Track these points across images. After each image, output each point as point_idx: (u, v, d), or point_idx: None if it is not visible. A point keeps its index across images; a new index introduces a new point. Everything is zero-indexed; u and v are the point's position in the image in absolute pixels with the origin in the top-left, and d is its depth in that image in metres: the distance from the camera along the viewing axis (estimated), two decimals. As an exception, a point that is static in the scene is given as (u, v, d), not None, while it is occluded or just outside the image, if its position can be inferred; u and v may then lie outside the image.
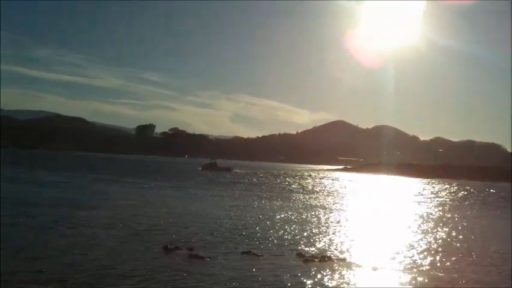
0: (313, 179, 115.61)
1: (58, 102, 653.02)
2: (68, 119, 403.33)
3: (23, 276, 16.61)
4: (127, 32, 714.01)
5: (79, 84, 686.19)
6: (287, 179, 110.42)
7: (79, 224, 27.68)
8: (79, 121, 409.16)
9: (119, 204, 39.11)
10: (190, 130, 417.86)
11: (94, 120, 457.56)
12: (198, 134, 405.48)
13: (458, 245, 28.07)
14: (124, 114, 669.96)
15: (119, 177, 76.91)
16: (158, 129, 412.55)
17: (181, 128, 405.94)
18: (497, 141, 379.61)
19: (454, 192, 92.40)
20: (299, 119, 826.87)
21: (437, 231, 33.61)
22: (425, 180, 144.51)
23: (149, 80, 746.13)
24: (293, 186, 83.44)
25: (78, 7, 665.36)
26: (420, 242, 28.21)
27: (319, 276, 18.71)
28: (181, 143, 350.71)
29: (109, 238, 23.76)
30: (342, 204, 51.85)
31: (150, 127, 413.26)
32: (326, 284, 17.90)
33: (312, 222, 34.29)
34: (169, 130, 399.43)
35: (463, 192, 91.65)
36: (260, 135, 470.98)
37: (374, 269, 20.42)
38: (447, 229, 34.85)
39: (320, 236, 28.42)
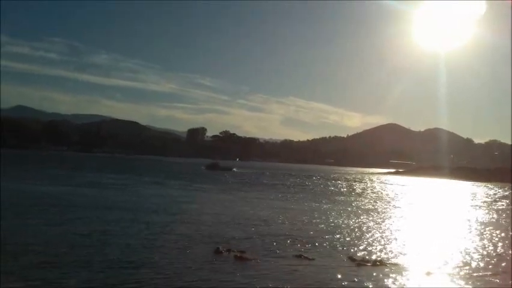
0: (362, 182, 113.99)
1: (113, 107, 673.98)
2: (123, 122, 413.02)
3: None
4: (182, 37, 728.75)
5: (134, 88, 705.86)
6: (331, 181, 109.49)
7: (138, 227, 28.49)
8: (134, 125, 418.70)
9: (177, 207, 39.91)
10: (240, 133, 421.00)
11: (148, 124, 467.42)
12: (248, 137, 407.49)
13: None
14: (177, 118, 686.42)
15: (170, 180, 78.47)
16: (210, 133, 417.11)
17: (232, 131, 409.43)
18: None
19: (511, 196, 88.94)
20: (350, 122, 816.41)
21: (494, 236, 32.55)
22: (481, 184, 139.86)
23: (202, 84, 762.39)
24: (342, 189, 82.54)
25: (133, 13, 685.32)
26: (475, 247, 27.43)
27: (372, 280, 18.62)
28: (231, 146, 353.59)
29: (165, 241, 24.31)
30: (394, 208, 50.99)
31: (201, 130, 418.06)
32: (379, 288, 17.78)
33: (363, 226, 33.96)
34: (220, 133, 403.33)
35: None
36: (310, 138, 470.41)
37: (428, 273, 20.11)
38: (504, 234, 33.72)
39: (372, 239, 28.17)
